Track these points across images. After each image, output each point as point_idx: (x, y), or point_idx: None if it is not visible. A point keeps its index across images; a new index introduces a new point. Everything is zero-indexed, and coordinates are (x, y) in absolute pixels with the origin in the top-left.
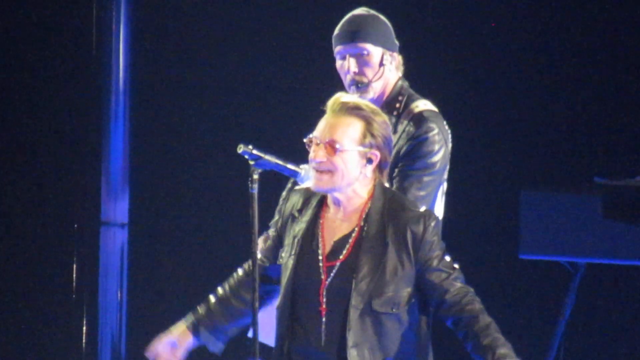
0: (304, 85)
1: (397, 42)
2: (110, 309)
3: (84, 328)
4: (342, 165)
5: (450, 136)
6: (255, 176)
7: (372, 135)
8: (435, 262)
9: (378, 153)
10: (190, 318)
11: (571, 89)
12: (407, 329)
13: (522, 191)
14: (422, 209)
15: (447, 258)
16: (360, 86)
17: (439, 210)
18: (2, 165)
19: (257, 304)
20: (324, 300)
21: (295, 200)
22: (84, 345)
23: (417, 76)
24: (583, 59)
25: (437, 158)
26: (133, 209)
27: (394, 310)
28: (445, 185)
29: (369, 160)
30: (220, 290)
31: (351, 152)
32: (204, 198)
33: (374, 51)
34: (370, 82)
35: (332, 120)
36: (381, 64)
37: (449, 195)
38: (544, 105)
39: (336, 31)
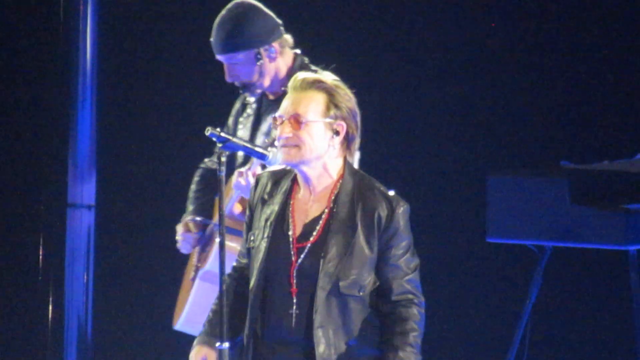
0: None
1: (277, 23)
2: (76, 292)
3: (50, 310)
4: (309, 138)
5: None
6: (223, 158)
7: (336, 107)
8: (396, 256)
9: (344, 124)
10: (201, 336)
11: (537, 73)
12: (372, 313)
13: (489, 175)
14: (391, 193)
15: (410, 256)
16: (245, 89)
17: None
18: None
19: (224, 286)
20: (295, 282)
21: (264, 183)
22: (50, 327)
23: (379, 63)
24: (547, 43)
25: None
26: (100, 191)
27: (360, 293)
28: (358, 154)
29: (336, 132)
30: (214, 305)
31: (317, 124)
32: (170, 180)
33: (246, 56)
34: (253, 82)
35: (295, 96)
36: (255, 64)
37: (416, 180)
38: (510, 89)
39: (211, 38)
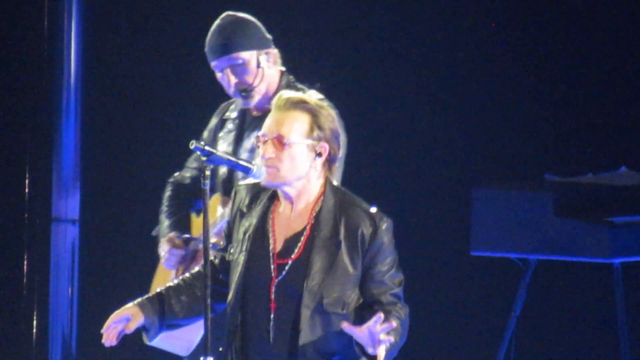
0: None
1: (269, 37)
2: (61, 306)
3: (35, 324)
4: (291, 160)
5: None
6: (207, 172)
7: (320, 128)
8: (380, 272)
9: (327, 146)
10: (142, 300)
11: (521, 87)
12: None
13: (473, 188)
14: (373, 209)
15: (395, 271)
16: (245, 94)
17: None
18: None
19: (208, 300)
20: (274, 297)
21: (243, 195)
22: (34, 341)
23: (363, 75)
24: (533, 57)
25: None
26: (84, 205)
27: (343, 310)
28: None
29: (318, 154)
30: (175, 281)
31: (299, 146)
32: (155, 194)
33: (249, 57)
34: (253, 87)
35: (278, 116)
36: (259, 66)
37: (400, 191)
38: (494, 102)
39: (206, 45)
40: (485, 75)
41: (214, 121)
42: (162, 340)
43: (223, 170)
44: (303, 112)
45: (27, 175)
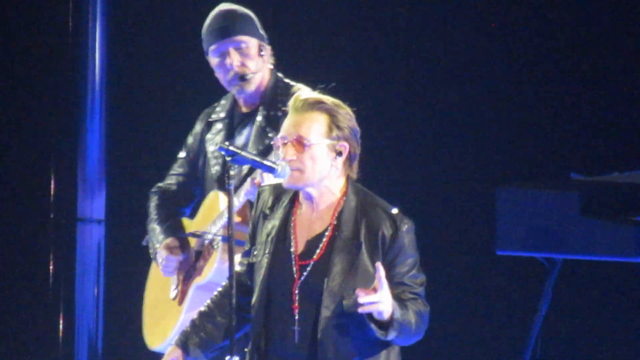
0: None
1: (265, 34)
2: (87, 306)
3: (61, 324)
4: (312, 161)
5: None
6: (232, 172)
7: (339, 128)
8: (400, 274)
9: (346, 144)
10: (179, 337)
11: (548, 85)
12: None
13: (499, 187)
14: (395, 211)
15: (416, 272)
16: (245, 78)
17: None
18: None
19: (234, 300)
20: (297, 298)
21: (266, 197)
22: (61, 341)
23: (393, 72)
24: (560, 55)
25: None
26: (109, 205)
27: None
28: None
29: (339, 153)
30: (205, 305)
31: (320, 146)
32: None
33: (252, 42)
34: (253, 73)
35: (297, 118)
36: (260, 55)
37: (425, 191)
38: (520, 101)
39: (207, 29)
40: (511, 74)
41: (199, 126)
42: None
43: (216, 168)
44: (321, 112)
45: (52, 176)
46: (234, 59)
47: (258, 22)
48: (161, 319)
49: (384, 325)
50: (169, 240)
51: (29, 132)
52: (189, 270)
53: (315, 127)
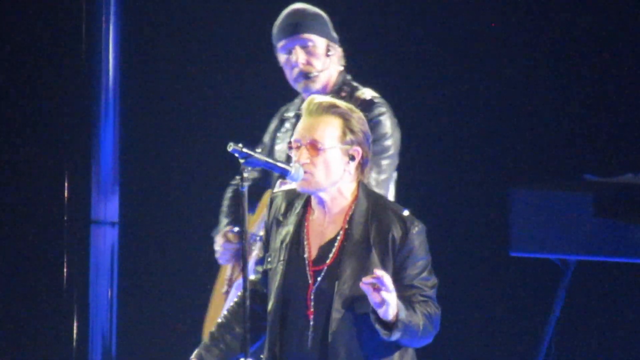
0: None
1: (336, 35)
2: (100, 308)
3: (75, 327)
4: (326, 165)
5: (397, 123)
6: (246, 174)
7: (352, 132)
8: (410, 276)
9: (359, 149)
10: (198, 350)
11: (560, 86)
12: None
13: (512, 188)
14: (405, 213)
15: (427, 274)
16: (310, 76)
17: (390, 198)
18: None
19: (247, 303)
20: (312, 304)
21: (279, 204)
22: (74, 344)
23: (404, 74)
24: (571, 55)
25: (391, 141)
26: (123, 208)
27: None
28: (396, 174)
29: (352, 158)
30: (222, 316)
31: (333, 150)
32: (194, 196)
33: (319, 42)
34: (318, 72)
35: (311, 121)
36: (327, 55)
37: (438, 193)
38: (533, 102)
39: (277, 26)
40: (523, 76)
41: (274, 123)
42: None
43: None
44: (335, 116)
45: (66, 178)
46: (300, 56)
47: (329, 23)
48: (214, 312)
49: (389, 326)
50: (227, 229)
51: (43, 135)
52: (235, 267)
53: (330, 131)
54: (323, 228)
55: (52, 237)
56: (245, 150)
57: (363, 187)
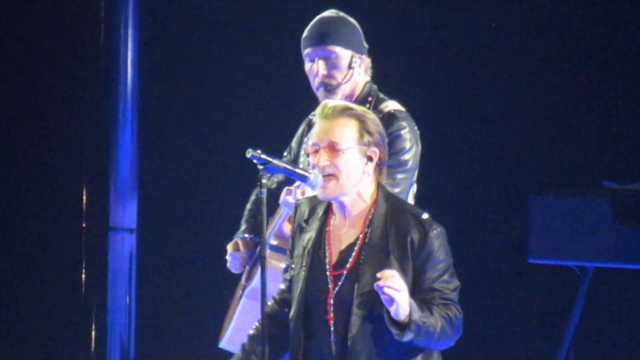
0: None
1: (366, 45)
2: (119, 314)
3: (93, 333)
4: (346, 166)
5: (419, 137)
6: (264, 180)
7: (369, 133)
8: (430, 279)
9: (377, 150)
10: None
11: (580, 93)
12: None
13: (531, 195)
14: (425, 216)
15: (448, 277)
16: (330, 88)
17: None
18: (12, 170)
19: (266, 308)
20: (332, 309)
21: (302, 210)
22: (93, 350)
23: (421, 81)
24: (592, 62)
25: (409, 156)
26: (141, 214)
27: None
28: (415, 187)
29: (370, 159)
30: (254, 328)
31: (352, 151)
32: (212, 202)
33: (343, 54)
34: (339, 84)
35: (327, 124)
36: (350, 67)
37: (458, 199)
38: (553, 108)
39: (305, 33)
40: (543, 82)
41: (301, 128)
42: (230, 343)
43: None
44: (351, 118)
45: (84, 185)
46: (321, 67)
47: (359, 33)
48: (228, 317)
49: (402, 326)
50: (238, 238)
51: (62, 142)
52: (249, 272)
53: (347, 132)
54: (343, 232)
55: (70, 243)
56: (263, 156)
57: (382, 189)
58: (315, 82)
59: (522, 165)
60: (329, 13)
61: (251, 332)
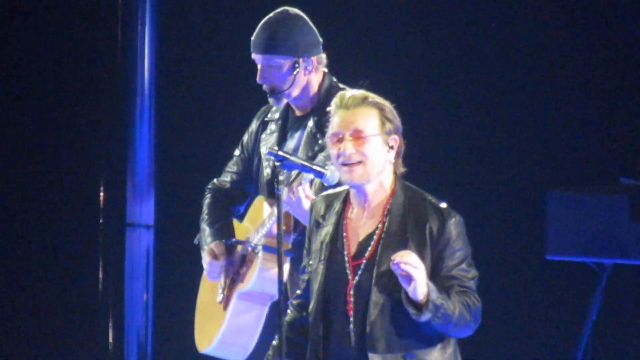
0: None
1: (318, 41)
2: (136, 311)
3: (110, 330)
4: (372, 152)
5: None
6: (281, 177)
7: (390, 121)
8: (448, 267)
9: (397, 138)
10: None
11: (598, 89)
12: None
13: (548, 191)
14: (443, 205)
15: (466, 266)
16: (274, 94)
17: None
18: (29, 167)
19: (282, 305)
20: (351, 300)
21: (318, 207)
22: (110, 347)
23: (437, 78)
24: (608, 58)
25: None
26: (158, 211)
27: None
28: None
29: (391, 147)
30: (275, 340)
31: (376, 138)
32: None
33: (283, 61)
34: (282, 90)
35: (349, 114)
36: (291, 73)
37: (475, 195)
38: (570, 104)
39: (253, 35)
40: (560, 78)
41: (254, 124)
42: (217, 348)
43: (267, 171)
44: (372, 107)
45: (102, 181)
46: (262, 74)
47: (304, 33)
48: (209, 321)
49: (420, 307)
50: (214, 244)
51: (79, 139)
52: (234, 274)
53: (370, 120)
54: (362, 223)
55: (87, 240)
56: (280, 153)
57: (399, 179)
58: (263, 86)
59: (540, 161)
60: (274, 15)
61: (274, 342)
